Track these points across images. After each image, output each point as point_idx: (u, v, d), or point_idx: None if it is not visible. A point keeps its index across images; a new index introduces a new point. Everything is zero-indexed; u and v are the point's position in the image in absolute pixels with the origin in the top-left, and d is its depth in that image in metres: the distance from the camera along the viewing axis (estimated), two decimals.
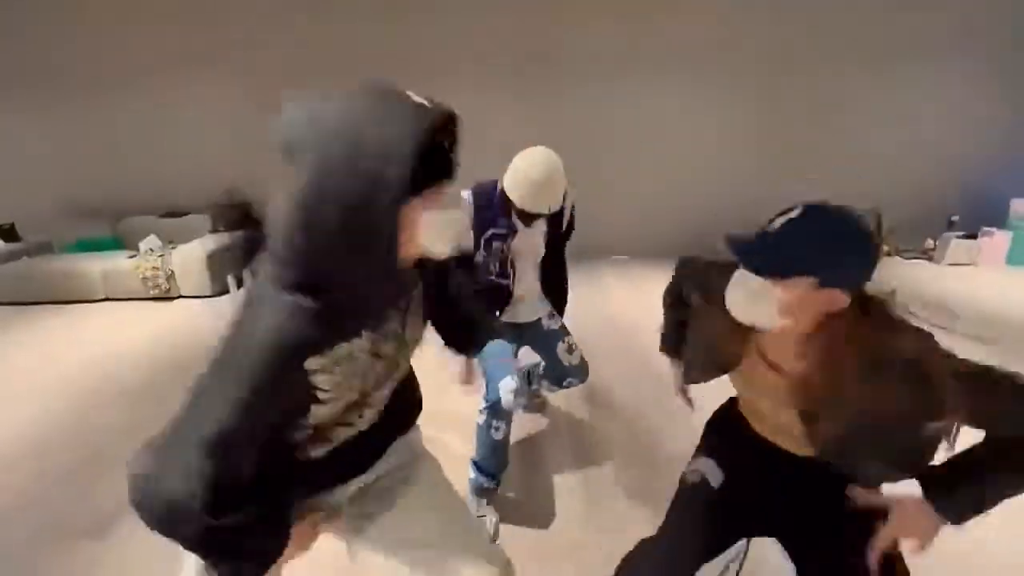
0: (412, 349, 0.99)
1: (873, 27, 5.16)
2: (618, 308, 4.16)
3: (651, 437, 2.40)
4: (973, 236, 5.10)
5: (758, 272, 0.83)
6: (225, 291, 4.64)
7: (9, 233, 4.94)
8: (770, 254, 0.81)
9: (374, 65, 5.05)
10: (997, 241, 5.02)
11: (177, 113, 5.27)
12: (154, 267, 4.53)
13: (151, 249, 4.77)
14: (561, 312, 2.16)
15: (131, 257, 4.66)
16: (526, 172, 1.69)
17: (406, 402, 1.06)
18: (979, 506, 0.85)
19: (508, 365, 1.82)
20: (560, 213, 1.94)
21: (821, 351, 0.88)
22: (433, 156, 0.69)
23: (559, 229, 1.98)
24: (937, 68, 5.30)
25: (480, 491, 1.92)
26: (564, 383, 2.20)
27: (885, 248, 5.61)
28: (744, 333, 0.97)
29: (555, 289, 2.08)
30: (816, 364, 0.89)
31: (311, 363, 0.74)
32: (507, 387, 1.74)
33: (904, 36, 5.18)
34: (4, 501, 2.05)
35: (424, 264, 0.87)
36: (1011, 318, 3.73)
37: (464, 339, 1.22)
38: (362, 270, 0.70)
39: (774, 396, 1.00)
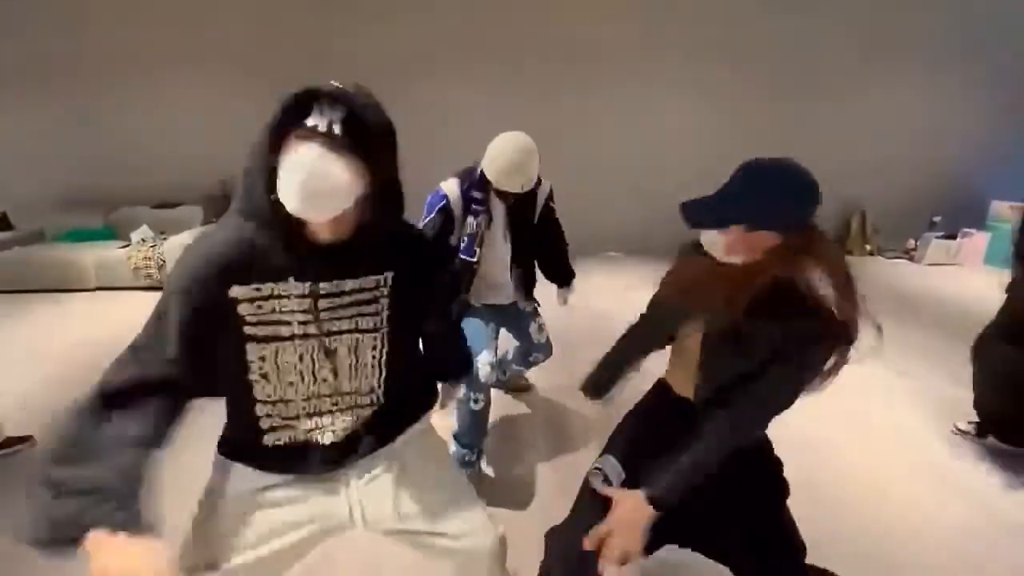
0: (369, 358, 1.01)
1: (860, 36, 5.26)
2: (604, 301, 4.24)
3: None
4: (953, 237, 5.22)
5: (696, 226, 1.03)
6: None
7: (3, 221, 4.95)
8: (705, 213, 1.01)
9: (369, 64, 5.09)
10: (976, 242, 5.14)
11: (171, 107, 5.29)
12: (146, 257, 4.57)
13: (143, 239, 4.80)
14: (529, 293, 2.25)
15: (123, 247, 4.70)
16: (501, 152, 1.81)
17: (393, 412, 1.07)
18: (676, 481, 0.99)
19: (485, 339, 1.95)
20: (530, 200, 2.02)
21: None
22: (292, 110, 0.82)
23: (531, 215, 2.07)
24: (922, 76, 5.41)
25: (462, 463, 2.02)
26: (531, 358, 2.33)
27: (868, 247, 5.72)
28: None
29: (523, 272, 2.18)
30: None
31: (235, 291, 0.88)
32: (484, 360, 1.87)
33: (889, 45, 5.28)
34: None
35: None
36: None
37: (441, 370, 1.27)
38: (257, 200, 0.86)
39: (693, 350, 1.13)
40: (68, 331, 3.78)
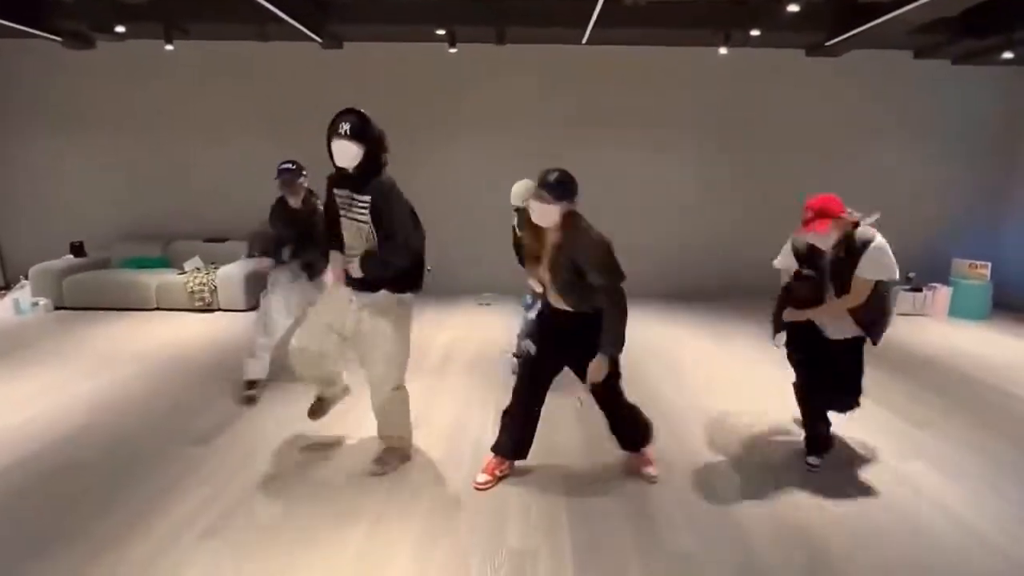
0: (364, 237, 2.26)
1: (851, 120, 6.03)
2: None
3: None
4: (919, 290, 5.73)
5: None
6: (256, 307, 5.35)
7: (79, 249, 5.73)
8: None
9: (413, 125, 5.91)
10: (939, 295, 5.64)
11: (220, 159, 6.13)
12: (201, 283, 5.27)
13: (197, 268, 5.51)
14: None
15: (180, 274, 5.41)
16: (513, 190, 3.37)
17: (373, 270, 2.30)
18: (614, 341, 2.17)
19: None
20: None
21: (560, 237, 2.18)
22: (332, 123, 2.19)
23: None
24: (897, 154, 6.15)
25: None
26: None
27: None
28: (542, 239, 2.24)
29: None
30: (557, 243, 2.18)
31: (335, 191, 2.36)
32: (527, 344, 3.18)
33: (873, 128, 6.05)
34: (93, 440, 2.75)
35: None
36: (940, 359, 4.32)
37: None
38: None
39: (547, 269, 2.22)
40: (132, 343, 4.41)
